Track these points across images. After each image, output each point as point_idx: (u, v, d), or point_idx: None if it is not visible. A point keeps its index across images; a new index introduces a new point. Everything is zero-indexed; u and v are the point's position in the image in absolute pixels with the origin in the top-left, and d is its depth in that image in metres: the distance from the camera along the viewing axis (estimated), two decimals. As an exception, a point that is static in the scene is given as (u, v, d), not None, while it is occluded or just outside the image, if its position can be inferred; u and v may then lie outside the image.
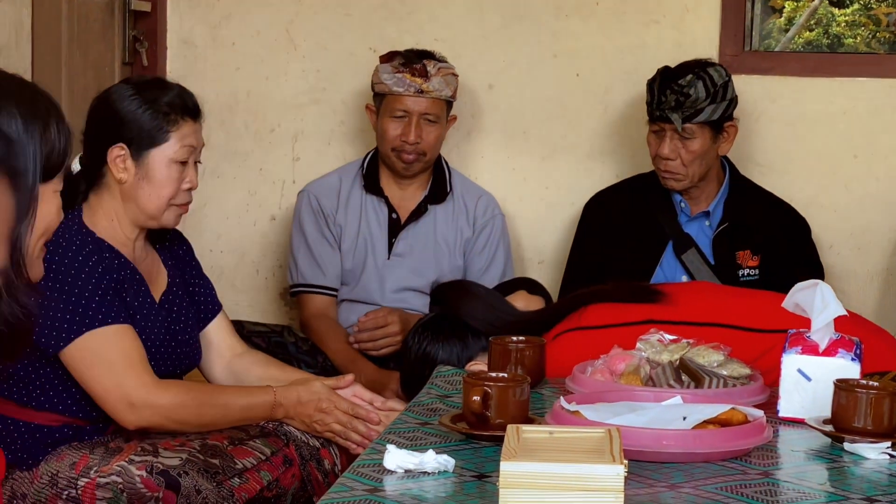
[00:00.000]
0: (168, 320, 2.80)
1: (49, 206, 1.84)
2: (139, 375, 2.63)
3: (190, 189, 2.78)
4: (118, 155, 2.72)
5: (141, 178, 2.73)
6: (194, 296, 2.94)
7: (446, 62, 3.93)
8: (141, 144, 2.72)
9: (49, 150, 1.80)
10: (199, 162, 2.82)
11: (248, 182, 4.38)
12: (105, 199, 2.77)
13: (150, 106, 2.72)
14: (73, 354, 2.62)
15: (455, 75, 3.93)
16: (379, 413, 2.84)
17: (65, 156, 1.84)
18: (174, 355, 2.80)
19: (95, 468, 2.59)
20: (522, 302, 3.66)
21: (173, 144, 2.74)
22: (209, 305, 2.97)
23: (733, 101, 3.76)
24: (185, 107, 2.76)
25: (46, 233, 1.86)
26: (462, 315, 2.97)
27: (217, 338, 2.97)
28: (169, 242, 2.93)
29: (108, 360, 2.62)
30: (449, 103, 3.94)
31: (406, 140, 3.85)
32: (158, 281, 2.84)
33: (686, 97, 3.66)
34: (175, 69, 4.34)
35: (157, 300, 2.80)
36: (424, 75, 3.85)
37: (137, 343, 2.67)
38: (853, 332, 2.46)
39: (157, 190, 2.74)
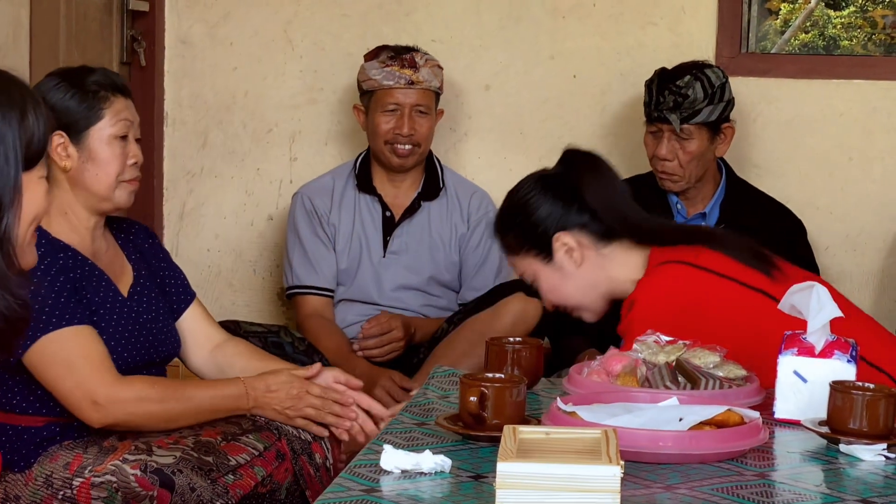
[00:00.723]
0: (138, 311, 2.79)
1: (35, 193, 1.84)
2: (100, 373, 2.62)
3: (136, 164, 2.78)
4: (58, 143, 2.72)
5: (85, 160, 2.73)
6: (164, 287, 2.92)
7: (430, 55, 3.94)
8: (78, 127, 2.72)
9: (28, 138, 1.80)
10: (139, 139, 2.82)
11: (245, 182, 4.38)
12: (55, 194, 2.74)
13: (77, 89, 2.73)
14: (32, 359, 2.61)
15: (441, 67, 3.94)
16: (354, 395, 2.83)
17: (45, 142, 1.84)
18: (147, 344, 2.79)
19: (90, 468, 2.59)
20: (520, 304, 3.66)
21: (109, 120, 2.74)
22: (181, 295, 2.96)
23: (730, 103, 3.76)
24: (114, 84, 2.77)
25: (36, 219, 1.86)
26: (582, 184, 2.78)
27: (193, 327, 2.96)
28: (133, 237, 2.92)
29: (67, 361, 2.60)
30: (437, 95, 3.94)
31: (400, 133, 3.86)
32: (124, 274, 2.83)
33: (684, 98, 3.67)
34: (173, 69, 4.35)
35: (126, 293, 2.79)
36: (414, 66, 3.86)
37: (98, 342, 2.65)
38: (850, 327, 2.45)
39: (104, 168, 2.73)
